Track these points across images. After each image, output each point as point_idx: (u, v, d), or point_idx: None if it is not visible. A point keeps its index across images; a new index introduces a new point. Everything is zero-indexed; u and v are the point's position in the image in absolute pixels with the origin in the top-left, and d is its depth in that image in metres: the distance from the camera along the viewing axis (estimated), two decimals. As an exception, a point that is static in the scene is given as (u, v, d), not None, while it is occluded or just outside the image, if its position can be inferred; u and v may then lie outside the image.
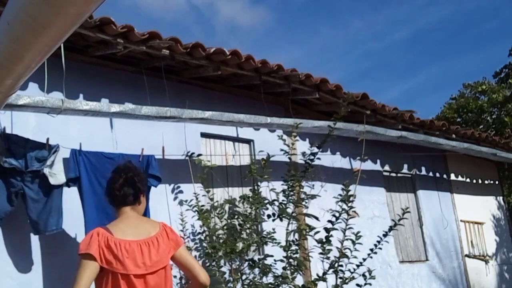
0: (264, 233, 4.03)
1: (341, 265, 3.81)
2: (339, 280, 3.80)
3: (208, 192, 4.04)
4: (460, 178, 7.94)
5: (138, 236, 2.36)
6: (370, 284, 3.75)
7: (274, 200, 3.97)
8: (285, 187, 3.95)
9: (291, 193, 3.94)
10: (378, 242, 3.99)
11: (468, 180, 8.12)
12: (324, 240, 3.79)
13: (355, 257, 3.78)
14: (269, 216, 3.97)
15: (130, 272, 2.26)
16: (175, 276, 3.58)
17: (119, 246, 2.27)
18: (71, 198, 3.45)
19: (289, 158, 4.19)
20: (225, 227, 3.94)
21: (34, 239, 3.38)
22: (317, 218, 3.86)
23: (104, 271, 2.27)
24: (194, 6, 37.86)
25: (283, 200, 3.94)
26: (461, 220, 7.58)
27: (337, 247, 3.81)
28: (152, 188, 3.74)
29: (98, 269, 2.25)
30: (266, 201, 3.97)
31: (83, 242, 2.30)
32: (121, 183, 2.46)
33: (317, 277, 3.81)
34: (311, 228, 3.85)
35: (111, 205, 2.53)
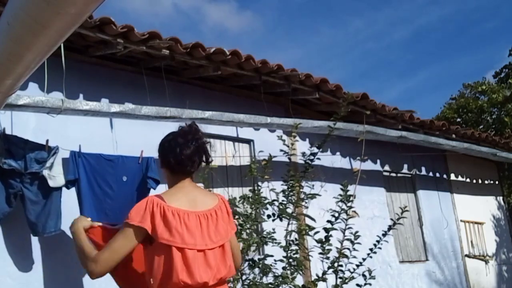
0: (264, 233, 4.02)
1: (341, 265, 3.81)
2: (339, 280, 3.80)
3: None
4: (460, 178, 7.94)
5: (195, 207, 2.09)
6: (370, 284, 3.75)
7: (274, 200, 3.97)
8: (285, 187, 3.95)
9: (291, 193, 3.94)
10: (378, 241, 3.99)
11: (468, 180, 8.12)
12: (323, 240, 3.79)
13: (355, 257, 3.78)
14: (269, 216, 3.96)
15: (189, 247, 1.99)
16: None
17: (177, 216, 2.01)
18: (71, 199, 3.44)
19: (289, 158, 4.18)
20: (225, 227, 3.94)
21: (34, 239, 3.38)
22: (313, 220, 3.86)
23: (155, 245, 2.01)
24: (181, 11, 37.84)
25: (283, 200, 3.94)
26: (461, 220, 7.58)
27: (336, 247, 3.81)
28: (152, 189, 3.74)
29: (135, 244, 2.03)
30: (266, 201, 3.96)
31: (136, 211, 2.02)
32: (193, 151, 2.15)
33: (317, 277, 3.82)
34: (311, 228, 3.85)
35: (170, 170, 2.19)
